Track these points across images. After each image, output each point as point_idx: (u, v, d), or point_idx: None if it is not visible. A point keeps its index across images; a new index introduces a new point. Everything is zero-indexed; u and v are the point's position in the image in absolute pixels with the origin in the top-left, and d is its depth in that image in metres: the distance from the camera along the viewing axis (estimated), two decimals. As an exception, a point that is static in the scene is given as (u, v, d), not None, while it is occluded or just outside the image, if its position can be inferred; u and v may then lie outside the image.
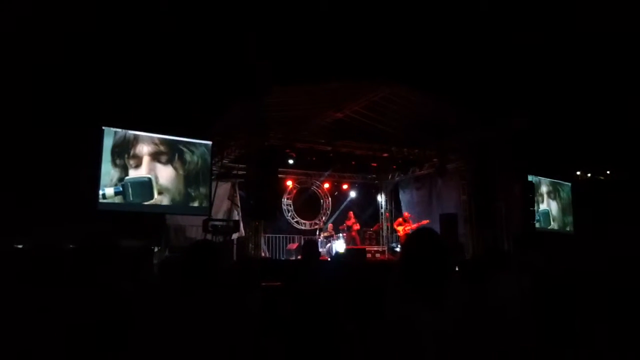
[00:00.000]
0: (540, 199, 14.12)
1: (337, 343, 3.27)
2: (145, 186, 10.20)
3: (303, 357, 3.46)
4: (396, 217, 15.64)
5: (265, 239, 13.52)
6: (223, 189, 13.23)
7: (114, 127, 10.07)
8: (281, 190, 15.18)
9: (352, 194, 16.68)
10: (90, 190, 9.72)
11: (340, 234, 14.49)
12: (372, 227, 16.19)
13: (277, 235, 14.99)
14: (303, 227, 15.96)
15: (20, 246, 6.34)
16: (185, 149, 10.82)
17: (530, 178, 13.40)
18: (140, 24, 12.57)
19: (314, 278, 4.24)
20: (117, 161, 9.96)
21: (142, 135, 10.34)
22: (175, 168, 10.64)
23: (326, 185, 16.49)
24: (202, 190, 10.96)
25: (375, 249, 14.88)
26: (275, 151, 11.38)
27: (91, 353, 2.55)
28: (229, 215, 13.16)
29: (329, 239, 14.51)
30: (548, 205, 14.50)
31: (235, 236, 11.97)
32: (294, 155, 12.69)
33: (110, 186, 9.78)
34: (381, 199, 17.16)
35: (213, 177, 11.70)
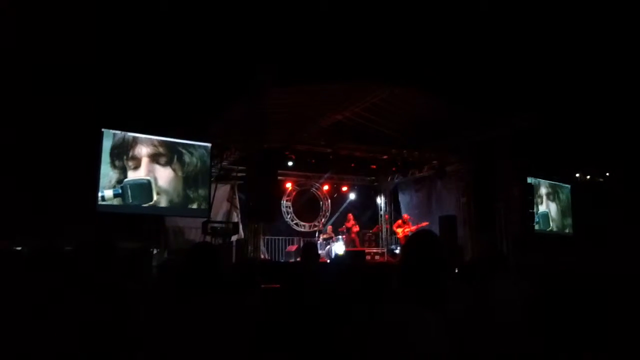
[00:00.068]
0: (539, 200, 14.13)
1: (337, 345, 3.26)
2: (145, 188, 10.20)
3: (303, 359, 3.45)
4: (395, 219, 15.63)
5: (264, 241, 13.51)
6: (222, 191, 13.23)
7: (113, 129, 10.07)
8: (280, 192, 15.17)
9: (352, 196, 16.67)
10: (89, 192, 9.72)
11: (340, 236, 14.48)
12: (371, 229, 16.18)
13: (277, 238, 14.98)
14: (302, 229, 15.95)
15: (19, 248, 6.33)
16: (184, 151, 10.82)
17: (529, 180, 13.40)
18: (140, 26, 12.57)
19: (313, 280, 4.24)
20: (116, 163, 9.96)
21: (141, 137, 10.34)
22: (174, 170, 10.64)
23: (325, 187, 16.49)
24: (201, 192, 10.96)
25: (375, 251, 14.87)
26: (274, 153, 11.37)
27: (90, 354, 2.54)
28: (228, 217, 13.15)
29: (328, 241, 14.50)
30: (547, 207, 14.51)
31: (234, 238, 11.95)
32: (294, 157, 12.68)
33: (109, 188, 9.78)
34: (380, 201, 17.16)
35: (212, 179, 11.69)
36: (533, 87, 14.51)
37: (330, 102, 11.38)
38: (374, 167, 14.77)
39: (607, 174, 19.69)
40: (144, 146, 10.35)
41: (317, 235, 15.28)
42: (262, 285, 4.41)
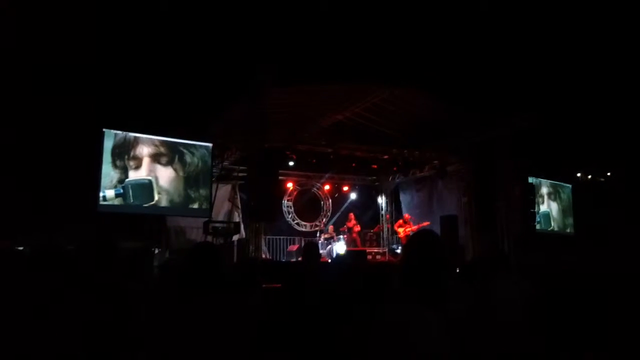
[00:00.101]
0: (540, 200, 14.12)
1: (338, 344, 3.26)
2: (146, 188, 10.21)
3: (304, 359, 3.46)
4: (396, 219, 15.63)
5: (265, 240, 13.52)
6: (223, 190, 13.23)
7: (114, 129, 10.09)
8: (282, 192, 15.18)
9: (353, 196, 16.67)
10: (90, 192, 9.73)
11: (341, 236, 14.48)
12: (372, 229, 16.18)
13: (278, 237, 14.99)
14: (303, 229, 15.96)
15: (21, 248, 6.34)
16: (185, 151, 10.83)
17: (530, 180, 13.39)
18: (141, 26, 12.57)
19: (314, 280, 4.24)
20: (117, 162, 9.97)
21: (142, 137, 10.35)
22: (175, 170, 10.65)
23: (327, 187, 16.49)
24: (203, 192, 10.97)
25: (376, 250, 14.86)
26: (275, 153, 11.38)
27: (92, 354, 2.55)
28: (229, 217, 13.15)
29: (329, 240, 14.50)
30: (548, 207, 14.50)
31: (235, 238, 11.95)
32: (295, 157, 12.68)
33: (110, 188, 9.79)
34: (381, 200, 17.16)
35: (213, 179, 11.70)
36: (533, 87, 14.50)
37: (330, 102, 11.38)
38: (375, 166, 14.77)
39: (609, 173, 19.66)
40: (145, 146, 10.36)
41: (318, 235, 15.29)
42: (264, 285, 4.42)
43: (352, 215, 15.09)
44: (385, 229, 16.76)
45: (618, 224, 13.86)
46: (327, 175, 15.71)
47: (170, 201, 10.54)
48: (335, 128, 12.74)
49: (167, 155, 10.59)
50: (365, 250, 13.39)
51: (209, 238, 10.54)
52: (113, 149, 9.97)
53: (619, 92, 16.00)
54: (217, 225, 11.07)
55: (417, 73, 10.79)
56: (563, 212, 14.98)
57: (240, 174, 13.34)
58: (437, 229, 12.09)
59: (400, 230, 14.36)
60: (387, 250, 15.42)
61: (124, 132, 10.16)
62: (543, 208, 14.23)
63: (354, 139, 12.91)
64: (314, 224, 16.22)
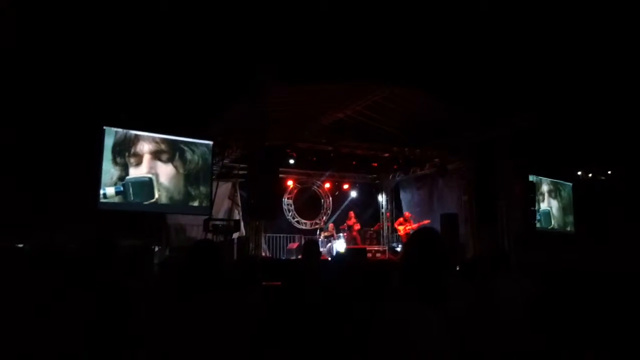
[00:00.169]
0: (541, 198, 14.12)
1: (338, 342, 3.26)
2: (146, 186, 10.21)
3: (304, 358, 3.46)
4: (397, 217, 15.64)
5: (265, 238, 13.53)
6: (224, 188, 13.23)
7: (114, 126, 10.09)
8: (282, 190, 15.18)
9: (353, 194, 16.68)
10: (91, 190, 9.74)
11: (341, 234, 14.48)
12: (372, 227, 16.17)
13: (278, 235, 15.00)
14: (304, 227, 15.96)
15: (21, 245, 6.35)
16: (186, 148, 10.84)
17: (531, 178, 13.39)
18: (141, 24, 12.55)
19: (314, 277, 4.24)
20: (118, 159, 9.98)
21: (143, 135, 10.36)
22: (175, 167, 10.65)
23: (327, 185, 16.49)
24: (203, 189, 10.97)
25: (376, 248, 14.85)
26: (275, 151, 11.38)
27: (92, 351, 2.55)
28: (229, 215, 13.16)
29: (329, 238, 14.50)
30: (549, 205, 14.50)
31: (235, 236, 11.97)
32: (295, 155, 12.68)
33: (111, 185, 9.80)
34: (382, 198, 17.16)
35: (214, 177, 11.70)
36: (533, 87, 14.48)
37: (331, 100, 11.37)
38: (375, 165, 14.77)
39: (609, 172, 19.66)
40: (146, 143, 10.37)
41: (318, 233, 15.29)
42: (264, 283, 4.42)
43: (352, 213, 15.09)
44: (385, 227, 16.76)
45: (618, 222, 13.87)
46: (327, 173, 15.70)
47: (171, 199, 10.54)
48: (335, 126, 12.73)
49: (167, 153, 10.60)
50: (365, 248, 13.39)
51: (209, 236, 10.54)
52: (114, 146, 9.97)
53: (619, 91, 15.99)
54: (217, 222, 11.09)
55: (417, 72, 10.76)
56: (563, 210, 14.98)
57: (241, 172, 13.35)
58: (437, 227, 12.09)
59: (401, 228, 14.36)
60: (387, 248, 15.43)
61: (125, 130, 10.16)
62: (543, 206, 14.23)
63: (354, 137, 12.90)
64: (314, 222, 16.22)
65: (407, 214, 14.94)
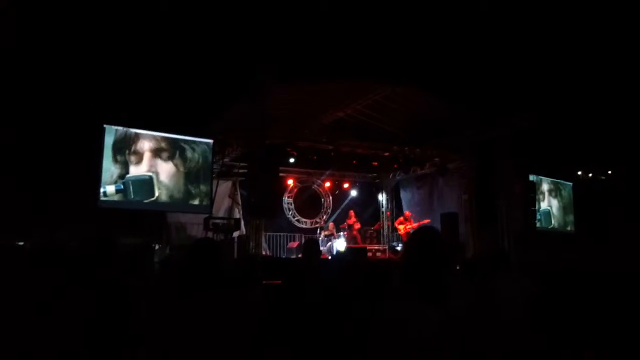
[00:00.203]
0: (541, 197, 14.12)
1: (338, 341, 3.27)
2: (147, 184, 10.22)
3: (304, 357, 3.46)
4: (397, 216, 15.65)
5: (266, 237, 13.53)
6: (224, 187, 13.24)
7: (115, 125, 10.10)
8: (282, 188, 15.18)
9: (353, 193, 16.68)
10: (91, 188, 9.74)
11: (341, 233, 14.49)
12: (373, 226, 16.18)
13: (278, 234, 15.00)
14: (304, 226, 15.96)
15: (21, 243, 6.35)
16: (186, 146, 10.85)
17: (531, 177, 13.39)
18: (142, 23, 12.54)
19: (314, 276, 4.24)
20: (118, 157, 9.99)
21: (143, 133, 10.37)
22: (176, 165, 10.66)
23: (327, 184, 16.49)
24: (203, 188, 10.97)
25: (376, 247, 14.86)
26: (276, 150, 11.38)
27: (93, 350, 2.55)
28: (229, 214, 13.16)
29: (329, 237, 14.51)
30: (549, 204, 14.50)
31: (236, 234, 11.97)
32: (295, 153, 12.68)
33: (111, 183, 9.80)
34: (382, 197, 17.16)
35: (214, 175, 11.70)
36: (533, 86, 14.47)
37: (332, 99, 11.36)
38: (376, 164, 14.77)
39: (609, 172, 19.65)
40: (147, 140, 10.39)
41: (318, 231, 15.30)
42: (264, 282, 4.42)
43: (352, 212, 15.09)
44: (385, 227, 16.77)
45: (618, 222, 13.85)
46: (327, 172, 15.70)
47: (171, 197, 10.55)
48: (336, 125, 12.73)
49: (168, 151, 10.61)
50: (365, 248, 13.40)
51: (210, 234, 10.55)
52: (114, 144, 9.99)
53: (619, 90, 15.97)
54: (217, 221, 11.09)
55: (418, 71, 10.75)
56: (564, 209, 14.98)
57: (241, 171, 13.35)
58: (437, 227, 12.09)
59: (401, 227, 14.37)
60: (387, 247, 15.44)
61: (125, 128, 10.17)
62: (544, 206, 14.23)
63: (354, 136, 12.91)
64: (314, 220, 16.22)
65: (407, 213, 14.94)
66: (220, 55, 12.98)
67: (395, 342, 1.93)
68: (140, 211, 10.33)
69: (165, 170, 10.52)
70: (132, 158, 10.16)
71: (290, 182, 15.73)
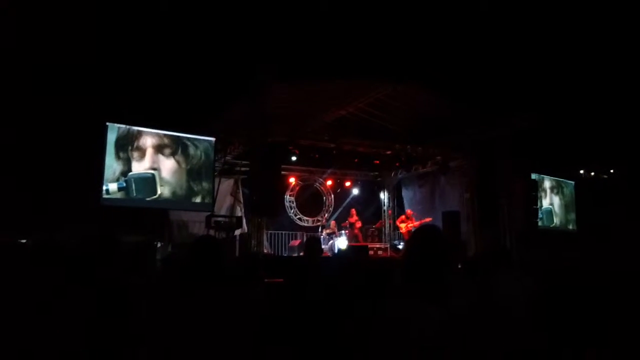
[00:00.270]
0: (543, 194, 14.12)
1: (339, 339, 3.27)
2: (149, 182, 10.24)
3: (305, 355, 3.46)
4: (399, 215, 15.64)
5: (267, 235, 13.53)
6: (226, 185, 13.25)
7: (117, 123, 10.12)
8: (284, 187, 15.17)
9: (355, 191, 16.68)
10: (93, 186, 9.76)
11: (343, 231, 14.49)
12: (374, 225, 16.18)
13: (280, 232, 15.00)
14: (305, 224, 15.96)
15: (23, 241, 6.36)
16: (189, 143, 10.88)
17: (533, 176, 13.38)
18: (145, 24, 12.55)
19: (316, 275, 4.24)
20: (121, 154, 10.02)
21: (145, 130, 10.41)
22: (178, 161, 10.68)
23: (329, 182, 16.48)
24: (205, 185, 10.99)
25: (378, 246, 14.86)
26: (278, 148, 11.38)
27: (94, 347, 2.55)
28: (231, 212, 13.17)
29: (331, 235, 14.50)
30: (551, 202, 14.49)
31: (237, 232, 11.98)
32: (297, 152, 12.68)
33: (113, 181, 9.83)
34: (384, 196, 17.16)
35: (216, 173, 11.72)
36: (534, 85, 14.45)
37: (333, 97, 11.35)
38: (378, 162, 14.76)
39: (611, 170, 19.62)
40: (149, 137, 10.43)
41: (320, 230, 15.29)
42: (265, 280, 4.43)
43: (354, 210, 15.09)
44: (387, 225, 16.75)
45: (620, 221, 13.83)
46: (329, 171, 15.70)
47: (173, 194, 10.57)
48: (338, 123, 12.72)
49: (170, 147, 10.64)
50: (367, 246, 13.39)
51: (211, 232, 10.56)
52: (116, 140, 10.02)
53: (621, 89, 15.94)
54: (219, 219, 11.11)
55: (420, 70, 10.74)
56: (565, 207, 14.97)
57: (243, 169, 13.36)
58: (439, 225, 12.08)
59: (402, 225, 14.37)
60: (389, 246, 15.43)
61: (128, 126, 10.20)
62: (545, 204, 14.22)
63: (356, 134, 12.89)
64: (316, 219, 16.21)
65: (409, 211, 14.93)
66: (221, 55, 12.99)
67: (396, 341, 1.93)
68: (142, 209, 10.35)
69: (168, 167, 10.54)
70: (135, 154, 10.18)
71: (292, 180, 15.73)
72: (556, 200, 14.72)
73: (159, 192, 10.33)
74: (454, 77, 11.49)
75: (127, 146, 10.11)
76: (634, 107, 15.75)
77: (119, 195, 9.87)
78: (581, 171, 19.04)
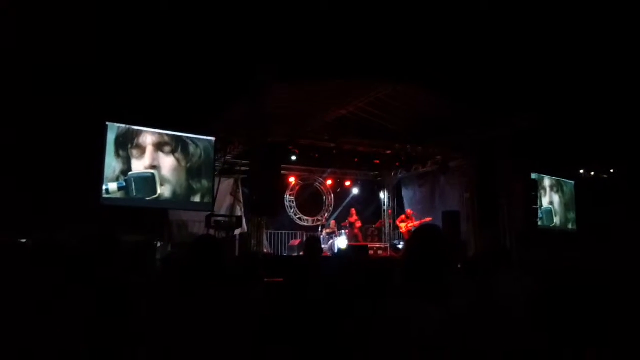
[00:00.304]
0: (543, 192, 14.12)
1: (340, 339, 3.27)
2: (149, 182, 10.24)
3: (305, 354, 3.46)
4: (399, 214, 15.63)
5: (267, 235, 13.53)
6: (226, 184, 13.25)
7: (117, 122, 10.12)
8: (284, 186, 15.17)
9: (355, 191, 16.68)
10: (93, 186, 9.76)
11: (343, 231, 14.49)
12: (374, 224, 16.19)
13: (280, 232, 15.00)
14: (305, 224, 15.96)
15: (24, 240, 6.36)
16: (189, 142, 10.90)
17: (533, 176, 13.38)
18: (145, 24, 12.54)
19: (316, 274, 4.24)
20: (120, 152, 10.02)
21: (145, 129, 10.42)
22: (178, 160, 10.69)
23: (329, 182, 16.49)
24: (205, 184, 10.99)
25: (378, 245, 14.87)
26: (278, 147, 11.37)
27: (94, 347, 2.55)
28: (231, 211, 13.17)
29: (331, 235, 14.50)
30: (551, 202, 14.49)
31: (237, 232, 11.98)
32: (297, 151, 12.67)
33: (113, 180, 9.83)
34: (384, 196, 17.15)
35: (216, 173, 11.72)
36: (534, 85, 14.45)
37: (333, 97, 11.35)
38: (378, 162, 14.76)
39: (611, 170, 19.63)
40: (149, 135, 10.44)
41: (320, 229, 15.29)
42: (265, 279, 4.43)
43: (354, 210, 15.09)
44: (387, 225, 16.75)
45: (620, 221, 13.84)
46: (329, 170, 15.70)
47: (173, 192, 10.57)
48: (338, 123, 12.72)
49: (170, 145, 10.65)
50: (367, 245, 13.40)
51: (211, 232, 10.56)
52: (116, 139, 10.03)
53: (621, 89, 15.94)
54: (219, 219, 11.11)
55: (420, 70, 10.74)
56: (565, 206, 14.97)
57: (243, 168, 13.35)
58: (439, 225, 12.08)
59: (402, 225, 14.37)
60: (388, 245, 15.44)
61: (127, 125, 10.20)
62: (545, 203, 14.23)
63: (356, 133, 12.90)
64: (316, 218, 16.21)
65: (409, 211, 14.94)
66: (221, 54, 12.99)
67: (396, 340, 1.93)
68: (142, 209, 10.35)
69: (168, 165, 10.54)
70: (135, 152, 10.18)
71: (292, 180, 15.73)
72: (556, 199, 14.72)
73: (159, 191, 10.33)
74: (453, 77, 11.49)
75: (126, 144, 10.12)
76: (633, 107, 15.75)
77: (119, 194, 9.87)
78: (581, 171, 19.04)
